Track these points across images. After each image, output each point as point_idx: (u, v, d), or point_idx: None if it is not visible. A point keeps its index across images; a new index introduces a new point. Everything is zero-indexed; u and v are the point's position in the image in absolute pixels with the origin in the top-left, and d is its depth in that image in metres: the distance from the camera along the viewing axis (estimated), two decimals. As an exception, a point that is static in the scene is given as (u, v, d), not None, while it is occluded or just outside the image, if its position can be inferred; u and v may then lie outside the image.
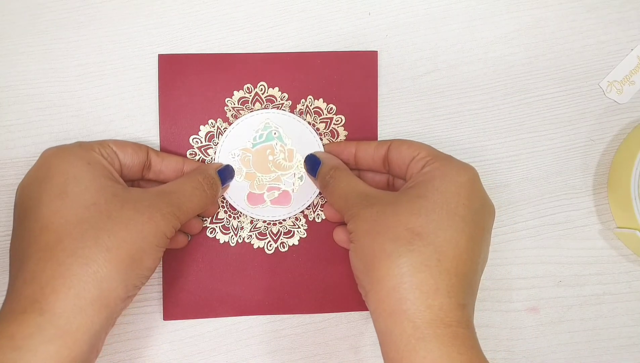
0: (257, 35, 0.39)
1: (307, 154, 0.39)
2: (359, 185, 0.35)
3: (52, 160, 0.33)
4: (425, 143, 0.40)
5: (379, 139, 0.40)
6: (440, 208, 0.31)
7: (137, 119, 0.39)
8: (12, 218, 0.38)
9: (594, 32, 0.41)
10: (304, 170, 0.39)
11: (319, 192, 0.39)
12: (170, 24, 0.39)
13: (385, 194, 0.34)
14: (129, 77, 0.39)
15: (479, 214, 0.32)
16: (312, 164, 0.38)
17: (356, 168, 0.39)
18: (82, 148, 0.34)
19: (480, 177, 0.40)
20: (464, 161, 0.39)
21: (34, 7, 0.38)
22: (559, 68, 0.41)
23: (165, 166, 0.37)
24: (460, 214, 0.31)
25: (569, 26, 0.41)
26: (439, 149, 0.40)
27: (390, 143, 0.37)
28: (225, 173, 0.38)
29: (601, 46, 0.41)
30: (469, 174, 0.33)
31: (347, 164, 0.38)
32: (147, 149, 0.37)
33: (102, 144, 0.35)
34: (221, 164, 0.39)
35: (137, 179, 0.37)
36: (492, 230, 0.40)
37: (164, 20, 0.39)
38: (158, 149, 0.39)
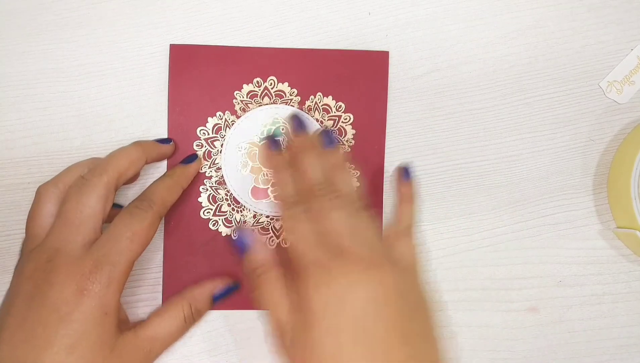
0: (256, 35, 0.39)
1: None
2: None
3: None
4: (425, 143, 0.40)
5: (385, 139, 0.40)
6: None
7: (137, 119, 0.39)
8: (11, 218, 0.38)
9: (594, 32, 0.41)
10: None
11: None
12: (170, 24, 0.39)
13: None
14: (129, 77, 0.39)
15: None
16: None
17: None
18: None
19: (480, 177, 0.40)
20: (464, 161, 0.38)
21: (34, 7, 0.38)
22: (559, 68, 0.41)
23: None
24: None
25: (569, 26, 0.41)
26: (439, 149, 0.40)
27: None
28: (224, 293, 0.38)
29: (601, 46, 0.41)
30: None
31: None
32: None
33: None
34: (212, 290, 0.37)
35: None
36: (493, 230, 0.40)
37: (163, 21, 0.39)
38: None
